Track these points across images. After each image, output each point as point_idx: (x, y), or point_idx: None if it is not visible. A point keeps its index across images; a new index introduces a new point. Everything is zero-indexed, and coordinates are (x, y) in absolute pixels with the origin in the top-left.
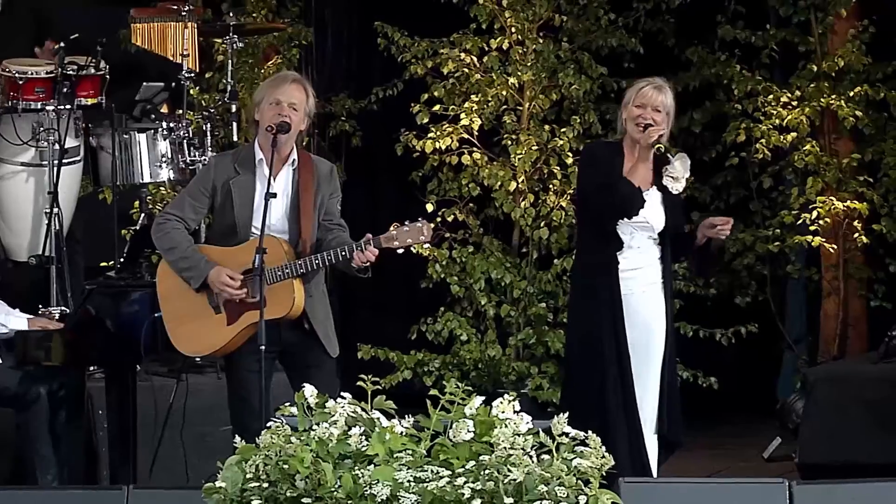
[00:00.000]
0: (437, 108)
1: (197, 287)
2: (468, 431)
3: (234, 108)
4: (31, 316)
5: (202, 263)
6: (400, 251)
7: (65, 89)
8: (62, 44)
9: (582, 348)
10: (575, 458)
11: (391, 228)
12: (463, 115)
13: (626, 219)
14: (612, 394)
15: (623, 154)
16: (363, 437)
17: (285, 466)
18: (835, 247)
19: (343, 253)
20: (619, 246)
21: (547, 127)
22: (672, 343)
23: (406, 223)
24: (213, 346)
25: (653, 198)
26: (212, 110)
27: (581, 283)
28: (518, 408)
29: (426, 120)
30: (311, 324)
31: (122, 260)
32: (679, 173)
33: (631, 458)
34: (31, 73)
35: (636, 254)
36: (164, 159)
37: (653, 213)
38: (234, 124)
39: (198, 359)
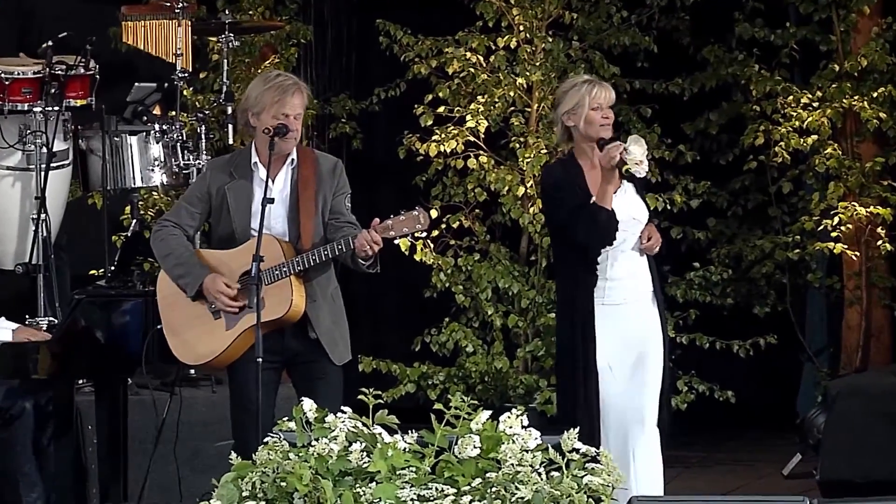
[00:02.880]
0: (441, 109)
1: (192, 295)
2: (474, 447)
3: (229, 110)
4: (18, 325)
5: (197, 269)
6: (397, 241)
7: (53, 90)
8: (50, 43)
9: (565, 360)
10: (586, 475)
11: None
12: (469, 117)
13: (608, 243)
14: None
15: (579, 166)
16: (364, 454)
17: (283, 483)
18: (857, 254)
19: (340, 246)
20: (594, 278)
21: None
22: (668, 348)
23: (402, 211)
24: (213, 352)
25: (626, 192)
26: (206, 112)
27: (563, 299)
28: (526, 422)
29: (430, 122)
30: (316, 332)
31: (112, 268)
32: (639, 156)
33: None
34: (18, 74)
35: (629, 258)
36: (156, 163)
37: (635, 207)
38: (230, 126)
39: (192, 371)
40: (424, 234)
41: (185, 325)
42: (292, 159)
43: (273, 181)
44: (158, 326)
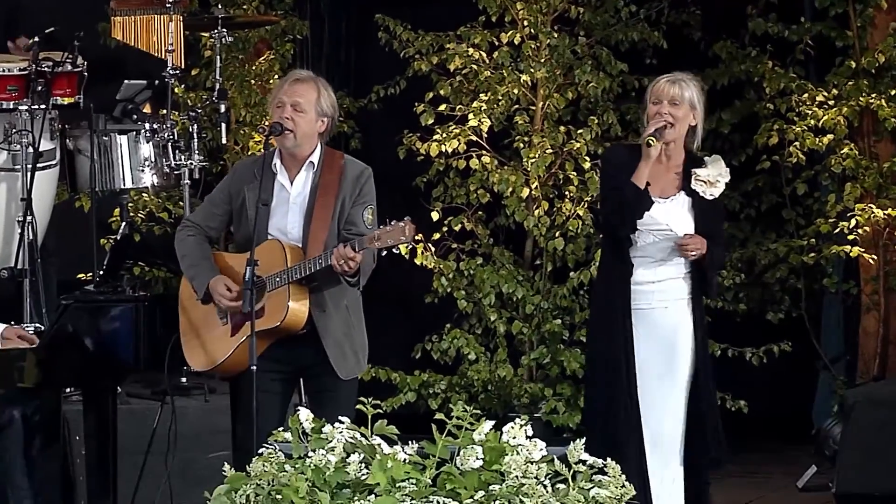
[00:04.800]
0: (442, 107)
1: (201, 297)
2: (477, 459)
3: (222, 108)
4: (6, 325)
5: (206, 272)
6: (384, 253)
7: (39, 87)
8: (36, 38)
9: (597, 366)
10: (593, 487)
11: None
12: (471, 116)
13: (630, 223)
14: (623, 412)
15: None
16: (363, 465)
17: (279, 497)
18: (875, 258)
19: (328, 259)
20: (630, 260)
21: (562, 128)
22: (706, 365)
23: (389, 222)
24: (217, 358)
25: (679, 203)
26: (198, 110)
27: (598, 297)
28: (531, 433)
29: (431, 121)
30: (323, 343)
31: (101, 272)
32: (711, 177)
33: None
34: (3, 70)
35: (659, 265)
36: (146, 163)
37: (676, 219)
38: (223, 125)
39: (184, 379)
40: (412, 245)
41: (198, 330)
42: (312, 162)
43: (291, 183)
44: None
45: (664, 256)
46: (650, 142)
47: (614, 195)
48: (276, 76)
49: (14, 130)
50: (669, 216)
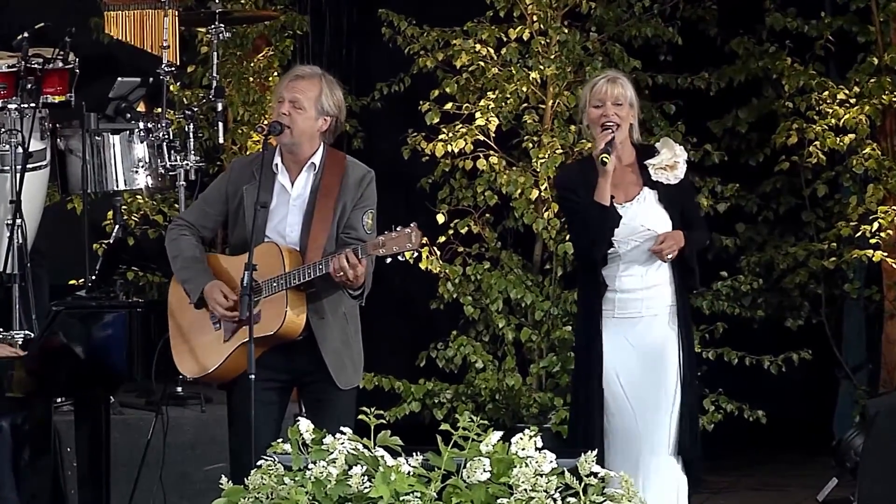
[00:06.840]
0: (448, 106)
1: (194, 302)
2: (484, 471)
3: (219, 107)
4: None
5: (201, 276)
6: (388, 260)
7: (29, 85)
8: (26, 34)
9: (575, 376)
10: (604, 501)
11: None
12: (478, 115)
13: (601, 243)
14: (590, 421)
15: (595, 167)
16: (366, 478)
17: None
18: None
19: (327, 265)
20: (602, 280)
21: (573, 127)
22: (690, 368)
23: (395, 228)
24: (209, 365)
25: (645, 200)
26: (195, 109)
27: (577, 310)
28: (540, 444)
29: (437, 120)
30: (321, 352)
31: (93, 278)
32: (668, 161)
33: None
34: None
35: (646, 269)
36: (140, 164)
37: (652, 216)
38: (220, 124)
39: (179, 389)
40: (420, 249)
41: (189, 334)
42: (313, 163)
43: (292, 184)
44: (166, 335)
45: (649, 258)
46: (604, 159)
47: (577, 219)
48: (276, 73)
49: (3, 129)
50: (643, 216)
